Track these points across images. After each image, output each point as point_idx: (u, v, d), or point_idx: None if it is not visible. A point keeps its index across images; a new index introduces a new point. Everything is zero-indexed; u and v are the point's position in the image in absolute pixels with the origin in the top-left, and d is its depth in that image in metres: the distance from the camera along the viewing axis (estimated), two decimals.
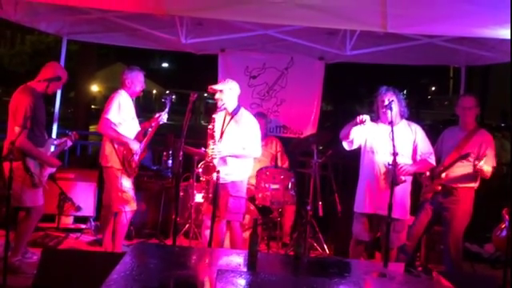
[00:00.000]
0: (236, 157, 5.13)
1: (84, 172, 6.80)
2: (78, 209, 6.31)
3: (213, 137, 5.07)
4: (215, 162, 4.98)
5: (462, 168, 5.07)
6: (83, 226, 6.60)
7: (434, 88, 40.12)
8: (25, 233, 5.15)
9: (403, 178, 4.69)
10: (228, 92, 5.15)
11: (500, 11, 4.07)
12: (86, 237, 6.40)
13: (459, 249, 5.26)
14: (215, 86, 5.17)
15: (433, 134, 5.42)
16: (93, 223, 6.62)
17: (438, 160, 5.13)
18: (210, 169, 4.97)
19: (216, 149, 5.02)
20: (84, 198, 6.55)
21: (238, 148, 5.13)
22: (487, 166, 4.94)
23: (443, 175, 5.13)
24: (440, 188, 5.13)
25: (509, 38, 4.20)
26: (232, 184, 5.16)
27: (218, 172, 4.82)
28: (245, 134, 5.16)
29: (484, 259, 6.46)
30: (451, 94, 36.36)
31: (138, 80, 5.43)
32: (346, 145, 5.04)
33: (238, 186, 5.22)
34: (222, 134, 5.10)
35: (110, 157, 5.25)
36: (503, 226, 6.07)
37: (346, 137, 4.95)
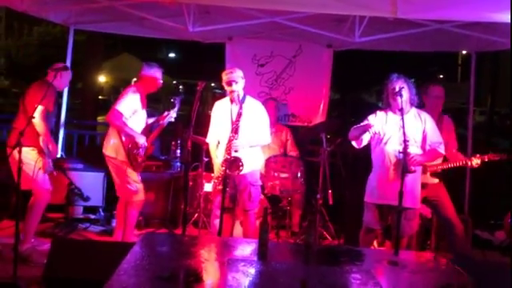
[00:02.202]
0: (251, 146, 5.11)
1: (92, 162, 6.78)
2: (87, 199, 6.31)
3: (236, 131, 4.98)
4: (237, 154, 4.92)
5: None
6: (92, 217, 6.60)
7: (441, 76, 39.86)
8: (33, 219, 5.23)
9: (413, 168, 4.64)
10: (241, 81, 5.09)
11: None
12: (95, 227, 6.40)
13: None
14: (233, 78, 5.03)
15: None
16: (102, 213, 6.62)
17: None
18: (237, 164, 4.88)
19: (238, 142, 4.96)
20: (93, 188, 6.52)
21: (253, 137, 5.10)
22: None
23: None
24: None
25: None
26: (251, 174, 5.15)
27: (242, 165, 4.81)
28: (256, 123, 5.13)
29: (495, 246, 6.41)
30: (459, 82, 36.13)
31: (155, 77, 5.41)
32: (354, 144, 4.98)
33: (256, 174, 5.25)
34: (236, 124, 5.01)
35: (116, 148, 5.24)
36: None
37: (356, 139, 4.93)
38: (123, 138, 5.21)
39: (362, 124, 4.84)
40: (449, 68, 34.82)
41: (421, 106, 5.08)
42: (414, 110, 4.86)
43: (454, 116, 5.46)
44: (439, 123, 5.20)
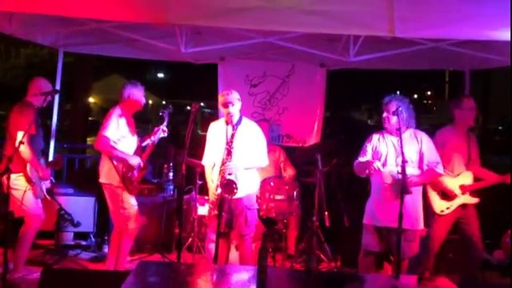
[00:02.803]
0: (247, 169, 4.99)
1: (83, 187, 6.63)
2: (78, 225, 6.14)
3: (230, 153, 4.86)
4: (232, 177, 4.78)
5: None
6: (83, 243, 6.44)
7: (430, 92, 40.19)
8: (24, 247, 5.15)
9: (411, 189, 4.57)
10: (238, 103, 4.99)
11: (509, 12, 3.97)
12: (86, 253, 6.23)
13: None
14: (230, 99, 4.93)
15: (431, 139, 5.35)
16: (93, 239, 6.46)
17: None
18: (232, 187, 4.75)
19: (232, 165, 4.83)
20: (83, 213, 6.35)
21: (249, 159, 4.98)
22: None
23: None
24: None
25: None
26: (247, 197, 5.03)
27: (237, 188, 4.70)
28: (252, 144, 5.02)
29: (493, 266, 6.31)
30: (447, 98, 36.42)
31: (138, 95, 5.30)
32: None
33: (252, 198, 5.14)
34: (231, 147, 4.88)
35: (109, 174, 5.10)
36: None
37: (361, 174, 4.91)
38: (115, 163, 5.08)
39: (364, 161, 4.84)
40: (437, 85, 35.11)
41: (451, 119, 5.25)
42: (409, 131, 4.80)
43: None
44: (467, 138, 5.26)
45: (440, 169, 4.82)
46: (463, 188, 5.13)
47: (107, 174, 5.12)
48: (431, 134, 5.17)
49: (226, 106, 4.93)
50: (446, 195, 5.16)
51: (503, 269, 6.27)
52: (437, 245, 5.23)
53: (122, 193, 5.11)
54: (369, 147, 4.89)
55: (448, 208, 5.16)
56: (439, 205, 5.18)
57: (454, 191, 5.12)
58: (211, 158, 5.11)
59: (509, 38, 4.10)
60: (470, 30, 4.15)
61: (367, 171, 4.79)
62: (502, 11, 4.00)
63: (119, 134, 5.10)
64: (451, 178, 5.15)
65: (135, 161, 5.14)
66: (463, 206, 5.15)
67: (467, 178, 5.19)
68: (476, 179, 5.23)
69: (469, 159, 5.23)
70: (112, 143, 5.04)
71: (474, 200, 5.20)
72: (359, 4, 4.00)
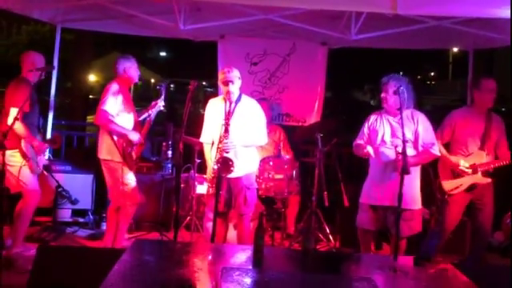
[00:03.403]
0: (246, 146, 4.93)
1: (81, 164, 6.61)
2: (75, 202, 6.13)
3: (227, 130, 4.78)
4: (229, 155, 4.71)
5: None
6: (81, 220, 6.44)
7: (433, 73, 39.92)
8: (23, 223, 5.14)
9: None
10: (238, 81, 4.90)
11: None
12: (84, 231, 6.23)
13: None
14: (230, 77, 4.84)
15: (432, 120, 5.27)
16: (91, 216, 6.45)
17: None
18: (229, 165, 4.67)
19: (229, 141, 4.75)
20: (81, 190, 6.36)
21: (248, 137, 4.92)
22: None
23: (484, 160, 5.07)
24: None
25: None
26: (246, 177, 4.98)
27: (233, 166, 4.64)
28: (251, 122, 4.94)
29: (494, 248, 6.29)
30: (451, 79, 36.19)
31: (132, 68, 5.24)
32: None
33: (252, 177, 5.09)
34: (227, 124, 4.80)
35: (110, 150, 5.06)
36: None
37: (360, 156, 4.87)
38: (115, 138, 5.04)
39: (359, 144, 4.82)
40: (440, 66, 34.84)
41: (471, 101, 5.15)
42: (407, 111, 4.74)
43: (445, 113, 5.34)
44: (488, 120, 5.09)
45: (435, 150, 4.79)
46: (473, 167, 5.01)
47: (108, 150, 5.08)
48: (434, 114, 5.11)
49: (225, 83, 4.86)
50: (457, 175, 5.07)
51: (503, 250, 6.27)
52: (450, 228, 5.16)
53: (122, 168, 5.08)
54: (365, 128, 4.87)
55: (457, 187, 5.06)
56: (449, 184, 5.09)
57: (464, 170, 5.02)
58: (209, 136, 5.05)
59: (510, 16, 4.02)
60: (472, 8, 4.08)
61: (362, 155, 4.79)
62: None
63: (117, 109, 5.05)
64: (463, 158, 5.06)
65: (135, 136, 5.09)
66: (475, 186, 5.02)
67: (479, 158, 5.04)
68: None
69: (483, 141, 5.05)
70: (111, 117, 4.99)
71: (487, 180, 5.05)
72: None
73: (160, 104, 5.33)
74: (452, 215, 5.13)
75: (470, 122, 5.09)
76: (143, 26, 6.71)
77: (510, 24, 4.10)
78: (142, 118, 5.36)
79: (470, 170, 5.00)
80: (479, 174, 5.02)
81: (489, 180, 5.08)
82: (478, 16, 4.56)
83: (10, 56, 24.91)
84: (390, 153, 4.67)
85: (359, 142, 4.89)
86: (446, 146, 5.16)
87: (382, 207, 4.73)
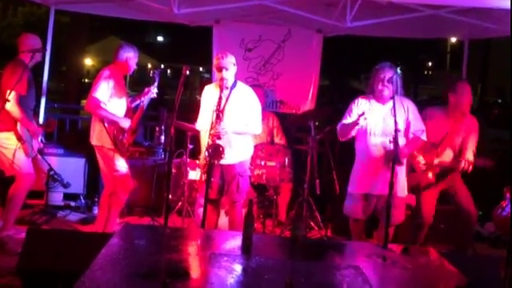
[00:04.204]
0: (239, 134, 4.89)
1: (73, 148, 6.58)
2: (67, 185, 6.11)
3: (219, 117, 4.70)
4: (221, 142, 4.67)
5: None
6: (73, 204, 6.42)
7: (430, 63, 39.90)
8: (15, 205, 5.12)
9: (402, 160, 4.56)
10: (233, 68, 4.85)
11: None
12: (75, 214, 6.21)
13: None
14: (224, 64, 4.79)
15: None
16: (83, 200, 6.44)
17: None
18: (219, 151, 4.63)
19: (221, 128, 4.70)
20: (73, 174, 6.34)
21: (241, 125, 4.88)
22: (470, 155, 5.03)
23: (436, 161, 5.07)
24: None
25: None
26: (240, 164, 4.95)
27: (224, 153, 4.61)
28: (246, 110, 4.90)
29: (484, 238, 6.32)
30: (448, 69, 36.20)
31: (132, 58, 5.19)
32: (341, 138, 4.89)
33: (245, 165, 5.06)
34: (222, 111, 4.73)
35: (101, 136, 5.03)
36: (504, 204, 5.97)
37: (346, 136, 4.81)
38: (106, 125, 5.01)
39: (349, 123, 4.74)
40: (438, 56, 34.83)
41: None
42: (397, 99, 4.71)
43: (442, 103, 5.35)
44: (456, 123, 5.11)
45: (424, 136, 4.82)
46: (428, 165, 5.05)
47: (99, 136, 5.06)
48: (431, 104, 5.11)
49: (219, 69, 4.81)
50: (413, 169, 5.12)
51: (493, 241, 6.30)
52: (428, 217, 5.18)
53: (113, 155, 5.05)
54: (355, 109, 4.78)
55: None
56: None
57: (419, 165, 5.05)
58: (205, 122, 5.02)
59: (508, 6, 3.99)
60: None
61: (352, 132, 4.73)
62: None
63: (109, 95, 5.01)
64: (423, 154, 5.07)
65: (126, 123, 5.06)
66: (444, 175, 5.08)
67: (444, 157, 5.10)
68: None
69: (445, 142, 5.11)
70: (102, 105, 4.96)
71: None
72: None
73: (153, 91, 5.29)
74: (426, 205, 5.16)
75: (437, 120, 5.09)
76: (138, 9, 6.65)
77: (510, 16, 4.06)
78: (134, 104, 5.32)
79: (424, 168, 5.04)
80: (430, 174, 5.08)
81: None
82: (474, 5, 4.54)
83: (5, 38, 24.78)
84: (382, 142, 4.66)
85: (346, 121, 4.81)
86: None
87: (374, 196, 4.75)
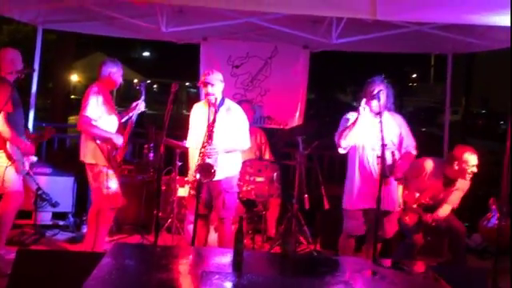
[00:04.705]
0: (229, 151, 4.93)
1: (62, 166, 6.57)
2: (56, 205, 6.08)
3: (210, 136, 4.74)
4: (210, 161, 4.70)
5: None
6: (61, 223, 6.39)
7: (415, 75, 40.33)
8: (5, 224, 5.05)
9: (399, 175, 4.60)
10: (219, 84, 4.91)
11: None
12: (64, 234, 6.19)
13: None
14: (209, 80, 4.86)
15: (415, 121, 5.32)
16: (71, 219, 6.41)
17: None
18: (210, 171, 4.65)
19: (212, 147, 4.72)
20: (62, 193, 6.31)
21: (230, 142, 4.92)
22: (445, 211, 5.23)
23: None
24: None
25: (498, 24, 4.11)
26: (226, 180, 4.96)
27: (215, 172, 4.63)
28: (234, 127, 4.95)
29: (471, 249, 6.38)
30: (432, 82, 36.64)
31: (116, 72, 5.21)
32: (341, 150, 4.80)
33: (232, 181, 5.07)
34: (211, 129, 4.77)
35: (95, 154, 5.03)
36: (490, 215, 6.02)
37: (347, 140, 4.71)
38: (99, 142, 5.02)
39: (350, 122, 4.70)
40: (422, 68, 35.24)
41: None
42: (388, 113, 4.76)
43: (427, 114, 5.42)
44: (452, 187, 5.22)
45: (415, 151, 4.86)
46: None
47: (92, 154, 5.05)
48: (417, 116, 5.17)
49: (205, 85, 4.87)
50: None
51: (480, 252, 6.36)
52: (419, 238, 5.25)
53: (107, 172, 5.06)
54: (350, 117, 4.73)
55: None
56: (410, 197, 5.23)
57: None
58: (195, 141, 5.05)
59: (488, 23, 4.09)
60: (450, 14, 4.14)
61: (353, 133, 4.66)
62: None
63: (100, 112, 5.02)
64: None
65: (119, 140, 5.08)
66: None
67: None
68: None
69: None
70: (94, 123, 4.97)
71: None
72: None
73: (141, 105, 5.32)
74: (411, 221, 5.20)
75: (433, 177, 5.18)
76: (125, 28, 6.69)
77: (510, 28, 4.11)
78: (123, 119, 5.35)
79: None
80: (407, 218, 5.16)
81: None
82: (456, 22, 4.63)
83: None
84: (374, 155, 4.63)
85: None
86: None
87: (372, 210, 4.59)
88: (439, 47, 7.18)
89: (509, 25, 4.06)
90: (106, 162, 5.02)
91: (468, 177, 5.12)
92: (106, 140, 5.01)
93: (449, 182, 5.19)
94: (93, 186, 5.19)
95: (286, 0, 4.06)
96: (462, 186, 5.25)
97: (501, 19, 4.03)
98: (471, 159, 5.07)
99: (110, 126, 5.12)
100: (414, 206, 5.17)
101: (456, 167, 5.09)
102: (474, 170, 5.08)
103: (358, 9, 4.05)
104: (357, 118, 4.60)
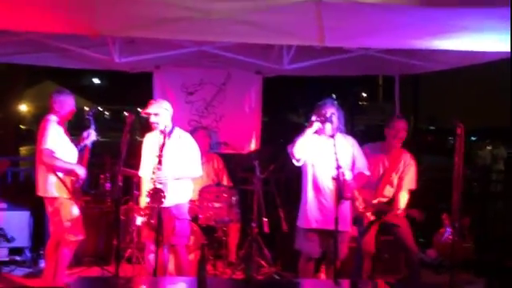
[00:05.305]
0: (179, 179, 4.98)
1: (16, 200, 6.44)
2: (11, 240, 5.96)
3: (160, 162, 4.79)
4: (160, 186, 4.75)
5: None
6: (18, 258, 6.25)
7: (364, 94, 41.21)
8: None
9: (349, 195, 4.68)
10: (164, 113, 4.99)
11: (430, 23, 4.12)
12: (21, 269, 6.06)
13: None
14: (150, 110, 4.96)
15: (367, 139, 5.47)
16: (28, 254, 6.28)
17: None
18: (159, 196, 4.70)
19: (162, 174, 4.79)
20: (17, 228, 6.20)
21: (180, 169, 4.98)
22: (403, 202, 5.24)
23: (375, 201, 5.26)
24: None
25: (438, 48, 4.33)
26: (176, 207, 5.01)
27: (165, 197, 4.66)
28: (184, 155, 5.03)
29: (427, 264, 6.52)
30: (381, 101, 37.50)
31: (67, 103, 5.20)
32: (296, 162, 4.86)
33: (182, 208, 5.10)
34: (160, 157, 4.81)
35: (57, 187, 4.99)
36: (443, 230, 6.20)
37: (301, 150, 4.76)
38: (60, 175, 4.97)
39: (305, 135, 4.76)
40: (371, 88, 36.12)
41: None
42: (340, 135, 4.86)
43: (376, 133, 5.59)
44: (391, 158, 5.32)
45: (367, 172, 4.97)
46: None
47: (55, 187, 5.00)
48: (368, 134, 5.31)
49: (148, 114, 4.98)
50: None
51: (436, 266, 6.51)
52: (368, 247, 5.31)
53: (70, 204, 5.03)
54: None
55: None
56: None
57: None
58: (147, 169, 5.08)
59: (428, 47, 4.31)
60: (394, 40, 4.29)
61: (306, 143, 4.73)
62: (424, 21, 4.15)
63: (59, 143, 4.99)
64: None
65: (81, 171, 5.06)
66: (383, 213, 5.22)
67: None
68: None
69: (380, 178, 5.33)
70: (55, 155, 4.93)
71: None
72: (289, 14, 4.05)
73: (92, 134, 5.31)
74: (366, 236, 5.23)
75: (370, 157, 5.22)
76: (78, 59, 6.64)
77: (510, 40, 4.25)
78: (78, 149, 5.32)
79: (362, 207, 5.16)
80: (368, 213, 5.20)
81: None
82: (399, 47, 4.84)
83: None
84: (329, 176, 4.67)
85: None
86: None
87: (325, 231, 4.71)
88: (386, 69, 7.43)
89: (448, 48, 4.28)
90: (70, 194, 4.98)
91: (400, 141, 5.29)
92: (69, 172, 4.98)
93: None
94: (53, 219, 5.12)
95: (236, 29, 4.12)
96: (407, 160, 5.35)
97: (441, 43, 4.22)
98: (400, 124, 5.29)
99: (70, 156, 5.09)
100: (375, 201, 5.23)
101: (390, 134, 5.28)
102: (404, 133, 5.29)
103: (307, 36, 4.15)
104: (307, 127, 4.71)
